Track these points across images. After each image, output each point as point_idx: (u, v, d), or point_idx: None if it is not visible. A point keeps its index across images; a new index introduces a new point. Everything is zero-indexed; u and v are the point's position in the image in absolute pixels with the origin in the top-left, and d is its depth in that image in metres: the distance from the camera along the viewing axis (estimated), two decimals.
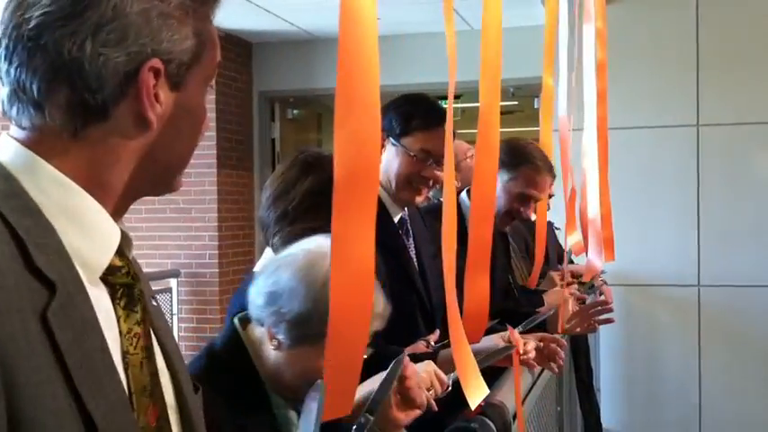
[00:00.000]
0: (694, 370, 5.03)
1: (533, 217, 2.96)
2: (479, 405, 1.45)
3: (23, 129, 0.88)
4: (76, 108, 0.86)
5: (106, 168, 0.89)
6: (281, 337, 1.42)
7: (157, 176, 0.95)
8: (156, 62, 0.88)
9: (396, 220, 2.29)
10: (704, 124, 5.07)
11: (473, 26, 6.02)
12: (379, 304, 1.40)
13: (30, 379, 0.74)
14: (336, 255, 0.94)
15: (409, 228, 2.32)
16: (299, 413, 1.42)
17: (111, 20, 0.85)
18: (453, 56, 1.38)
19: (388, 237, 2.20)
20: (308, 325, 1.38)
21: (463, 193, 2.79)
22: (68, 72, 0.85)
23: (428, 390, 1.55)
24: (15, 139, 0.88)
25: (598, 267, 3.09)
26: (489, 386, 1.45)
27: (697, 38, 5.04)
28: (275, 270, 1.44)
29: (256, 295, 1.45)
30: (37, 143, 0.87)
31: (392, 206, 2.27)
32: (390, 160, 2.22)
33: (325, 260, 1.34)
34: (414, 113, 2.23)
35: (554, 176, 2.98)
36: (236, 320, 1.52)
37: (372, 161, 0.98)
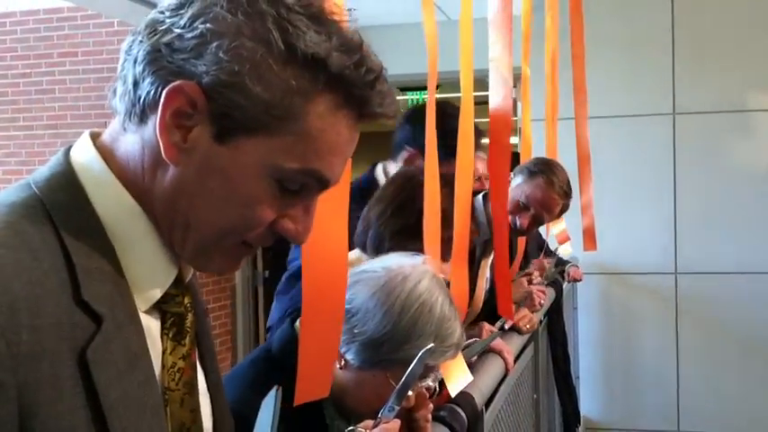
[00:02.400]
0: (672, 357, 5.07)
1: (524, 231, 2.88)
2: (447, 394, 1.47)
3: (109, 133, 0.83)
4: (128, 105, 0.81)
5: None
6: (350, 357, 1.32)
7: (177, 230, 0.82)
8: (190, 87, 0.77)
9: None
10: (680, 113, 5.10)
11: (450, 17, 6.01)
12: (455, 334, 1.34)
13: (47, 425, 0.68)
14: (309, 241, 0.92)
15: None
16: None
17: (186, 24, 0.78)
18: (434, 48, 1.38)
19: None
20: (381, 349, 1.29)
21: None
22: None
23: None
24: (93, 141, 0.83)
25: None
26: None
27: (672, 27, 5.07)
28: (353, 284, 1.32)
29: None
30: (111, 153, 0.82)
31: None
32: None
33: (407, 283, 1.28)
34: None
35: (566, 205, 2.89)
36: (297, 324, 1.37)
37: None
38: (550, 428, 3.26)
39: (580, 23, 3.59)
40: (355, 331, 1.29)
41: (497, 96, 1.66)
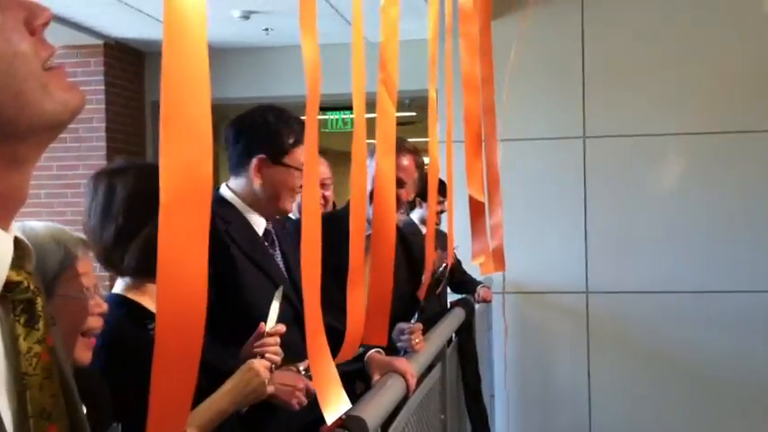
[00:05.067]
0: (584, 374, 5.16)
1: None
2: (340, 418, 1.46)
3: None
4: None
5: None
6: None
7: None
8: None
9: (261, 232, 2.31)
10: (590, 136, 5.22)
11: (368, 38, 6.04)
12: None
13: None
14: (164, 282, 0.90)
15: (275, 238, 2.34)
16: None
17: None
18: (316, 70, 1.38)
19: (255, 251, 2.21)
20: None
21: None
22: None
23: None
24: None
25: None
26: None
27: (582, 53, 5.19)
28: None
29: None
30: None
31: (256, 220, 2.31)
32: (272, 178, 2.25)
33: None
34: (289, 130, 2.25)
35: (419, 162, 2.97)
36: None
37: (204, 186, 0.94)
38: None
39: (489, 47, 3.64)
40: None
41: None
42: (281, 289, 1.93)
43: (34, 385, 0.83)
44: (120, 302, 1.75)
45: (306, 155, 1.29)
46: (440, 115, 2.94)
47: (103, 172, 1.78)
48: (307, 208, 1.30)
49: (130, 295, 1.77)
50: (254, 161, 2.24)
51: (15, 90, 0.80)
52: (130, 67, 6.55)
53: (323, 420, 1.74)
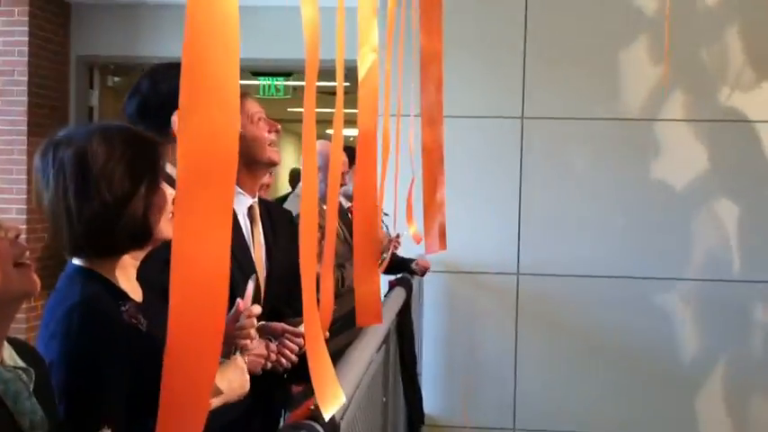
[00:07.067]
0: (511, 356, 5.18)
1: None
2: (308, 406, 1.38)
3: None
4: None
5: None
6: None
7: None
8: None
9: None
10: (528, 117, 5.20)
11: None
12: None
13: None
14: (179, 268, 0.79)
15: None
16: None
17: None
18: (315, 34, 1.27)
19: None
20: None
21: None
22: None
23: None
24: None
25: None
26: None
27: (525, 33, 5.16)
28: None
29: None
30: None
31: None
32: None
33: None
34: None
35: None
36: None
37: (230, 155, 0.81)
38: (395, 430, 3.23)
39: (439, 20, 3.55)
40: None
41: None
42: (255, 274, 1.86)
43: None
44: (89, 275, 1.54)
45: (304, 133, 1.18)
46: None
47: (58, 143, 1.53)
48: (306, 190, 1.19)
49: (97, 269, 1.56)
50: (174, 119, 2.00)
51: None
52: (56, 19, 6.22)
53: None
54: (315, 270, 1.18)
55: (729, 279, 5.07)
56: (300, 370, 2.20)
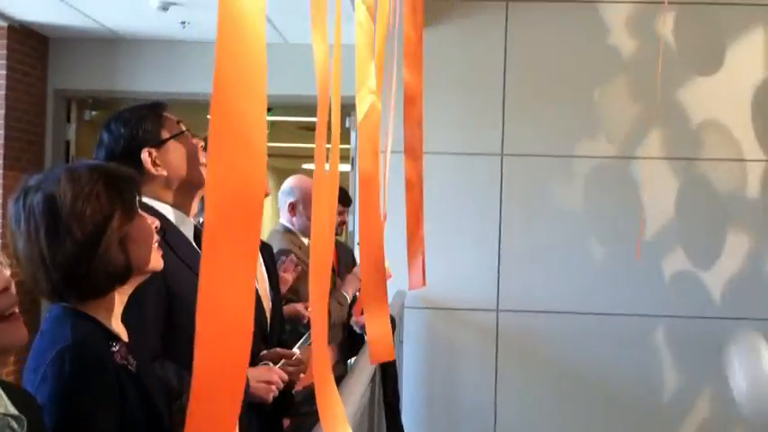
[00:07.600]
0: (491, 392, 5.15)
1: None
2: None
3: None
4: None
5: None
6: None
7: None
8: None
9: (190, 233, 2.20)
10: (508, 154, 5.23)
11: (287, 39, 5.92)
12: None
13: None
14: (205, 310, 0.77)
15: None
16: None
17: None
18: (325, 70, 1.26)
19: (190, 256, 2.08)
20: None
21: None
22: None
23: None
24: None
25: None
26: None
27: (504, 71, 5.21)
28: None
29: None
30: None
31: (180, 218, 2.19)
32: (179, 158, 2.15)
33: None
34: (147, 115, 2.20)
35: None
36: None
37: (257, 199, 0.81)
38: None
39: (420, 57, 3.58)
40: None
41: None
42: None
43: None
44: (77, 315, 1.51)
45: (316, 166, 1.16)
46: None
47: (28, 190, 1.51)
48: (317, 225, 1.17)
49: (84, 309, 1.53)
50: (144, 157, 2.12)
51: None
52: (34, 53, 6.19)
53: None
54: (326, 307, 1.18)
55: (709, 316, 5.10)
56: (287, 403, 2.20)
